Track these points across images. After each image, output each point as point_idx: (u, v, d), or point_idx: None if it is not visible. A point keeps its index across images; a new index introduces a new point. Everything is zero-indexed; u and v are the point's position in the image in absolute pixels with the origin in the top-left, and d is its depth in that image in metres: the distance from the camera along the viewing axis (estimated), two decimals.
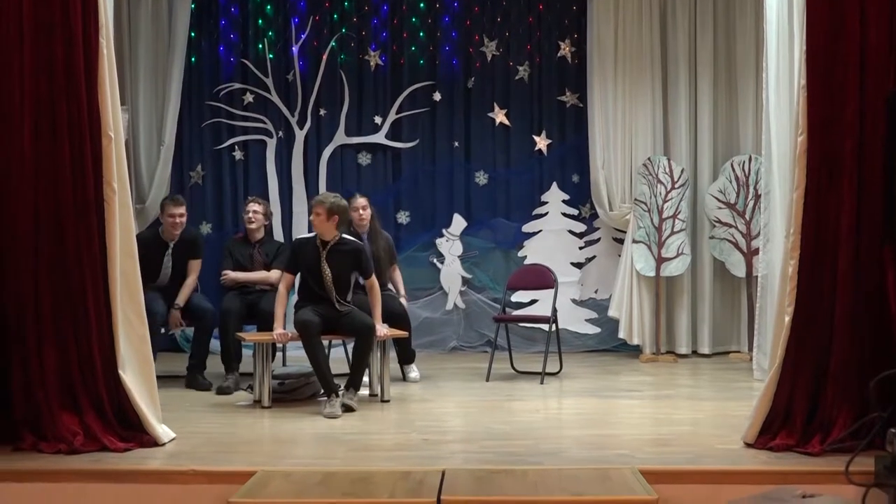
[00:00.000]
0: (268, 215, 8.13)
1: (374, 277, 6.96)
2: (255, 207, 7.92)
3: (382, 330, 6.88)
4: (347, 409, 6.39)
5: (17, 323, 5.18)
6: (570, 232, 9.72)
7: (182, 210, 7.70)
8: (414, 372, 7.78)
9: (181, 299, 7.56)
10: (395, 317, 7.37)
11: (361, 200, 7.85)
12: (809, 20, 5.16)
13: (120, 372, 5.25)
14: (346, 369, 7.01)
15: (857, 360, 5.06)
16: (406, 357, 7.75)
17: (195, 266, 7.72)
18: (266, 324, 7.10)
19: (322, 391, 6.92)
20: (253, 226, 7.88)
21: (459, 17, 9.71)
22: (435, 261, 9.68)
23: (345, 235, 6.91)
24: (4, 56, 5.17)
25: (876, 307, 5.07)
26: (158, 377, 7.56)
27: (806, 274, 5.12)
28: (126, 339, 5.32)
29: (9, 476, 4.76)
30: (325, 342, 7.00)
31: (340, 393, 6.47)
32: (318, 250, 6.78)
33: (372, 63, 9.67)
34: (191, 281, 7.65)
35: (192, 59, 9.49)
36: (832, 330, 5.09)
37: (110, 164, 5.24)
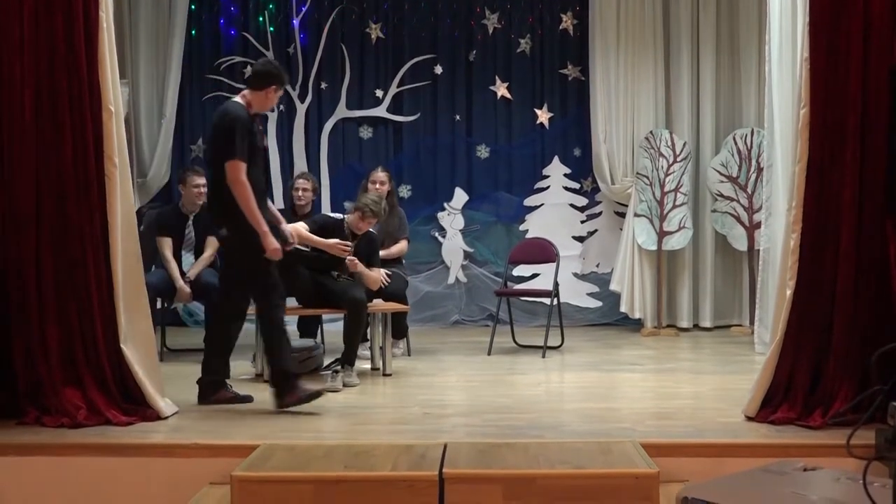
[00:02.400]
0: (315, 191, 8.06)
1: (378, 268, 7.02)
2: (304, 185, 7.83)
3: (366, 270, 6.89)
4: (346, 385, 6.39)
5: (19, 297, 5.18)
6: (572, 206, 9.71)
7: (204, 180, 7.63)
8: (398, 348, 7.73)
9: (192, 273, 7.53)
10: (396, 297, 7.37)
11: (381, 175, 7.83)
12: None
13: (122, 346, 5.26)
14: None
15: (858, 333, 5.06)
16: (396, 331, 7.65)
17: (213, 242, 7.63)
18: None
19: (325, 365, 6.95)
20: (302, 202, 7.82)
21: None
22: (436, 235, 9.67)
23: None
24: (4, 30, 5.15)
25: (878, 280, 5.06)
26: (174, 351, 7.56)
27: (808, 247, 5.12)
28: (127, 312, 5.32)
29: (12, 450, 4.78)
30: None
31: (339, 369, 6.49)
32: (349, 239, 6.80)
33: (373, 36, 9.63)
34: (207, 255, 7.61)
35: (193, 33, 9.47)
36: (834, 303, 5.09)
37: (111, 138, 5.23)
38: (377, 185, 7.74)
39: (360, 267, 6.79)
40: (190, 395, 5.92)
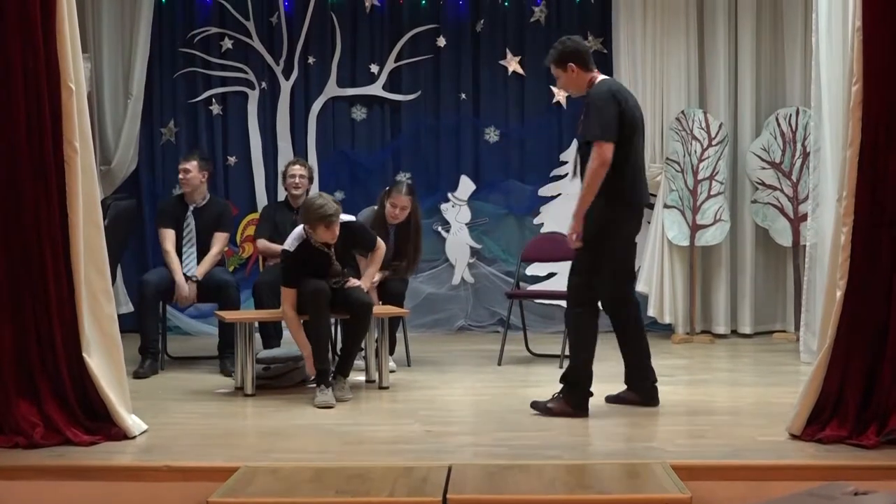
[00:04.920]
0: (311, 178, 8.11)
1: (378, 242, 6.96)
2: (300, 171, 7.88)
3: (364, 284, 6.86)
4: (339, 400, 6.38)
5: None
6: None
7: (188, 166, 7.76)
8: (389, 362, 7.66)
9: (200, 271, 7.57)
10: (393, 297, 7.37)
11: (404, 199, 7.55)
12: None
13: (84, 355, 5.25)
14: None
15: None
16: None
17: (221, 238, 7.74)
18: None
19: (312, 377, 6.95)
20: (297, 191, 7.85)
21: None
22: (440, 229, 9.68)
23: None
24: None
25: None
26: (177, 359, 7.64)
27: (861, 242, 5.11)
28: (91, 317, 5.32)
29: None
30: None
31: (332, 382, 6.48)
32: (324, 253, 6.69)
33: (367, 4, 9.63)
34: (214, 252, 7.66)
35: (163, 0, 9.46)
36: (890, 306, 5.09)
37: (71, 119, 5.22)
38: (397, 211, 7.52)
39: (360, 282, 6.83)
40: (159, 412, 5.92)
